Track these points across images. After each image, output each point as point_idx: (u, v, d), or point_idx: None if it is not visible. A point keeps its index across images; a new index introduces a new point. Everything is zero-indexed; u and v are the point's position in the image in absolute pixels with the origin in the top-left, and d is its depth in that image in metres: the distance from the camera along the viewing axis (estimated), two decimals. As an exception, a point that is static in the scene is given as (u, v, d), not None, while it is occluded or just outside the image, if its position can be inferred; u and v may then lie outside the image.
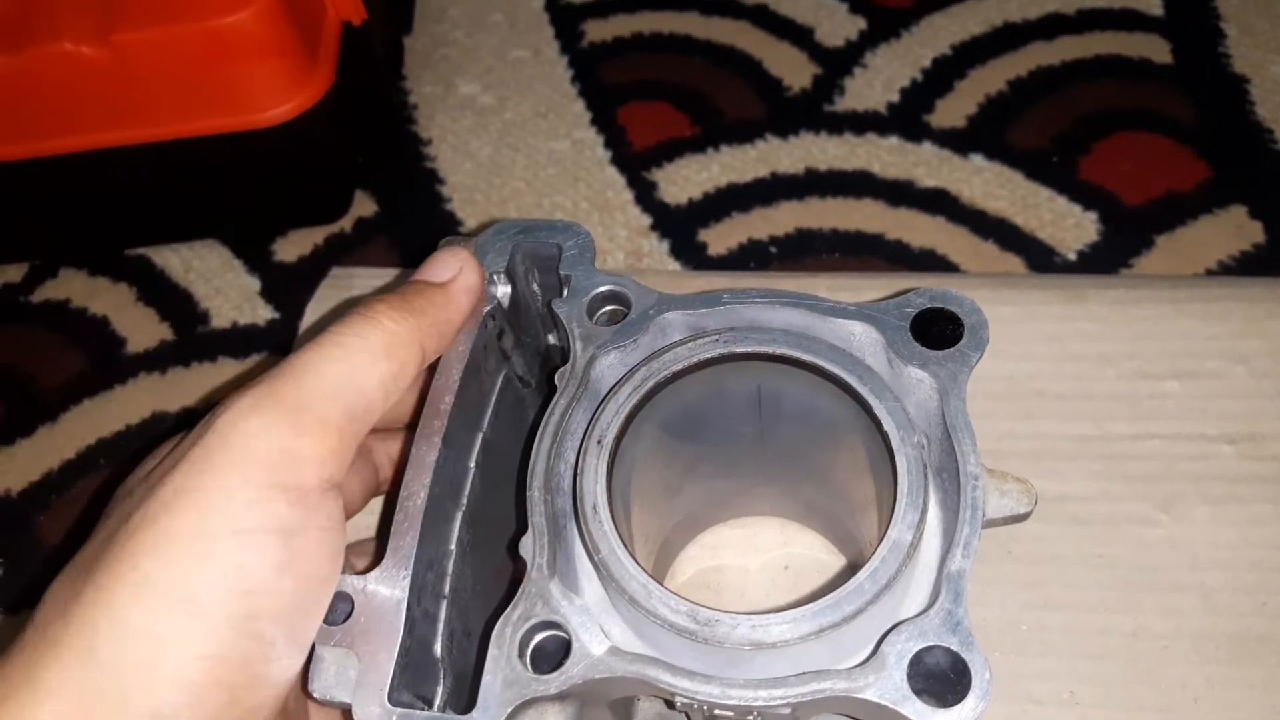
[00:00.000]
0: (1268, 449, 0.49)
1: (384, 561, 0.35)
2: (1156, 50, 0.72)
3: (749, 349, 0.37)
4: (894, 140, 0.69)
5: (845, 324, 0.38)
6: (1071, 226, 0.64)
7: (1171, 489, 0.48)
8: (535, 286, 0.43)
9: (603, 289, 0.40)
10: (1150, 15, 0.74)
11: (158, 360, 0.65)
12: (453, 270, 0.38)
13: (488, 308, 0.40)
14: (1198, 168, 0.66)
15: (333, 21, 0.63)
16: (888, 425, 0.35)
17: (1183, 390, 0.51)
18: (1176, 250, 0.62)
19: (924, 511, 0.34)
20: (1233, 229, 0.63)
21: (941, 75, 0.73)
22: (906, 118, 0.71)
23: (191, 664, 0.29)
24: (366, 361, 0.33)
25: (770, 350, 0.37)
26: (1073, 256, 0.63)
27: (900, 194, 0.67)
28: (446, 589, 0.38)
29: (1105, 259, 0.62)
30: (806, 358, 0.37)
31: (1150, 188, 0.65)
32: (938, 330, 0.37)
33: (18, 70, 0.57)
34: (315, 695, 0.33)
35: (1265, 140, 0.67)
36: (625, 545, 0.34)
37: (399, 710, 0.33)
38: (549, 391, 0.39)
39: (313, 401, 0.31)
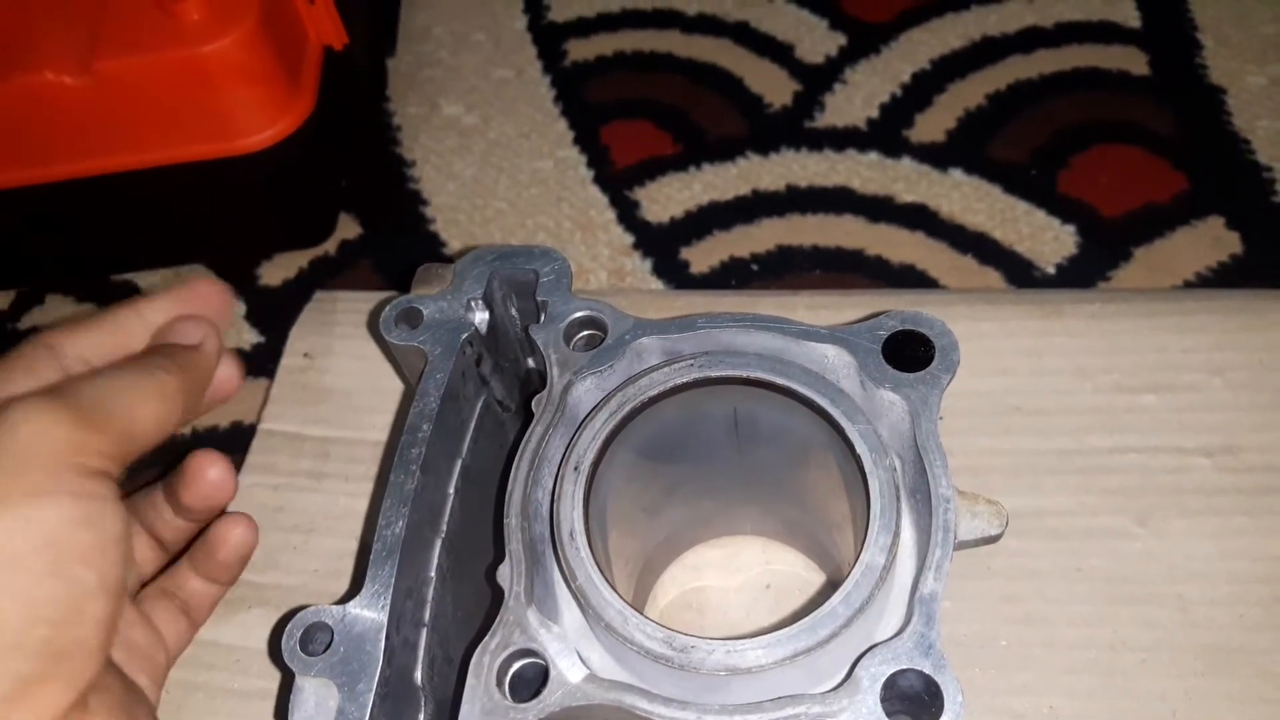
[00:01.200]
0: (1244, 461, 0.49)
1: (363, 590, 0.35)
2: (1134, 62, 0.73)
3: (723, 373, 0.38)
4: (874, 156, 0.70)
5: (818, 347, 0.38)
6: (1050, 240, 0.64)
7: (1149, 502, 0.48)
8: (513, 312, 0.44)
9: (579, 315, 0.40)
10: (1127, 27, 0.75)
11: (143, 386, 0.65)
12: (197, 336, 0.42)
13: (465, 334, 0.41)
14: (1175, 179, 0.66)
15: (314, 46, 0.63)
16: (860, 448, 0.35)
17: (1159, 403, 0.51)
18: (1154, 262, 0.63)
19: (897, 534, 0.34)
20: (1210, 240, 0.63)
21: (920, 90, 0.73)
22: (886, 133, 0.71)
23: (7, 608, 0.32)
24: (147, 397, 0.37)
25: (744, 374, 0.38)
26: (1051, 270, 0.63)
27: (880, 209, 0.67)
28: (426, 616, 0.38)
29: (1084, 272, 0.63)
30: (780, 381, 0.37)
31: (1128, 200, 0.66)
32: (909, 352, 0.37)
33: (1, 99, 0.57)
34: (296, 727, 0.34)
35: (1242, 150, 0.67)
36: (602, 572, 0.34)
37: (378, 740, 0.33)
38: (529, 416, 0.39)
39: (98, 411, 0.35)
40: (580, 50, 0.79)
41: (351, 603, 0.35)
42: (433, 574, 0.39)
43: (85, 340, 0.40)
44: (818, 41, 0.77)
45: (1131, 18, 0.75)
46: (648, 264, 0.67)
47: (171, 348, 0.41)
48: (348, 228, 0.70)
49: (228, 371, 0.45)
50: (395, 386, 0.55)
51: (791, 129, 0.72)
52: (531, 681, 0.33)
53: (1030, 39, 0.75)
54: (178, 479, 0.46)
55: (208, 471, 0.45)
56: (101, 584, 0.34)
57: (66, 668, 0.33)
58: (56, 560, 0.33)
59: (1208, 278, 0.62)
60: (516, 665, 0.34)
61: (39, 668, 0.32)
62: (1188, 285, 0.62)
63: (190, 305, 0.43)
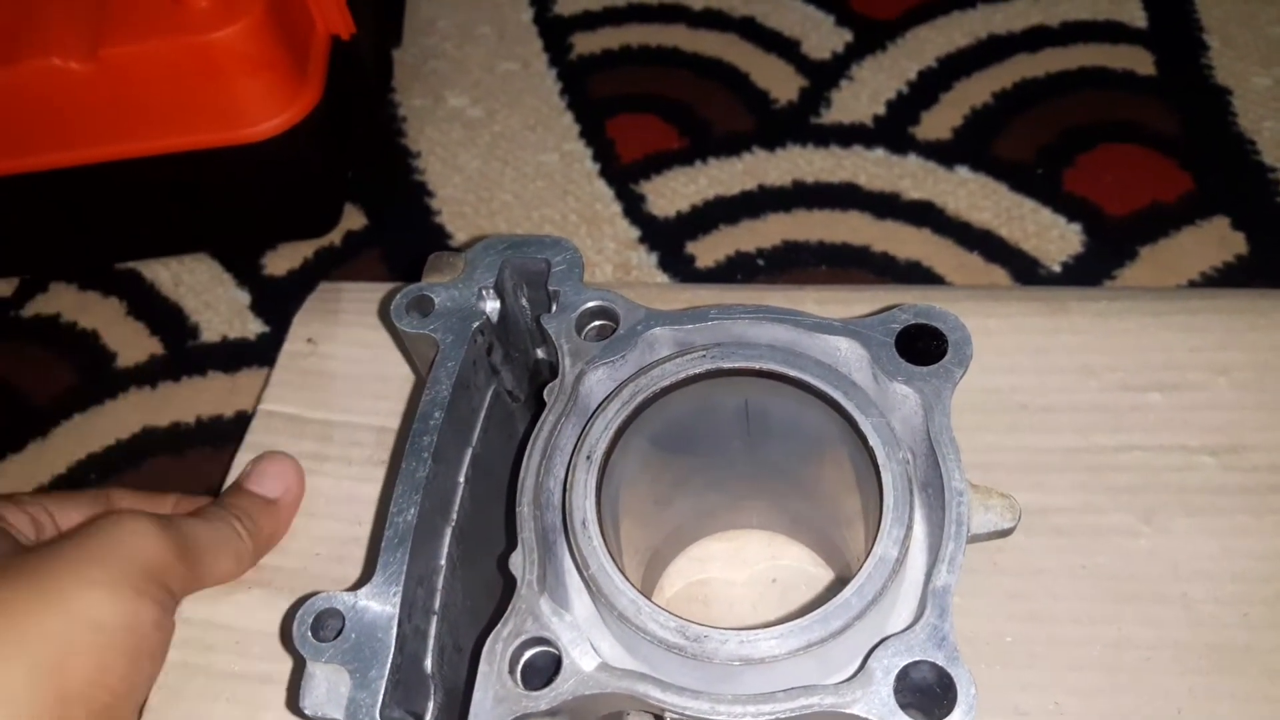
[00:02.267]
0: (1249, 460, 0.49)
1: (374, 578, 0.35)
2: (1140, 62, 0.73)
3: (736, 364, 0.38)
4: (880, 152, 0.70)
5: (831, 339, 0.38)
6: (1056, 238, 0.65)
7: (1154, 500, 0.48)
8: (524, 301, 0.44)
9: (591, 305, 0.40)
10: (1133, 27, 0.75)
11: (148, 374, 0.65)
12: (280, 490, 0.49)
13: (476, 323, 0.41)
14: (1181, 179, 0.66)
15: (321, 36, 0.63)
16: (873, 441, 0.35)
17: (1165, 402, 0.51)
18: (1159, 261, 0.63)
19: (909, 527, 0.34)
20: (1215, 240, 0.63)
21: (927, 87, 0.73)
22: (892, 130, 0.71)
23: (93, 667, 0.39)
24: (228, 555, 0.46)
25: (757, 366, 0.38)
26: (1057, 268, 0.63)
27: (886, 206, 0.67)
28: (437, 604, 0.38)
29: (1089, 270, 0.63)
30: (793, 373, 0.37)
31: (1134, 199, 0.66)
32: (922, 346, 0.37)
33: (5, 85, 0.57)
34: (306, 712, 0.34)
35: (1248, 151, 0.67)
36: (614, 560, 0.34)
37: (390, 727, 0.33)
38: (538, 406, 0.39)
39: (189, 551, 0.44)
40: (586, 43, 0.79)
41: (363, 590, 0.35)
42: (443, 562, 0.39)
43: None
44: (824, 37, 0.77)
45: (1138, 18, 0.75)
46: (653, 258, 0.67)
47: (254, 505, 0.48)
48: (353, 218, 0.70)
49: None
50: (399, 373, 0.55)
51: (798, 125, 0.72)
52: (544, 670, 0.33)
53: (1037, 38, 0.75)
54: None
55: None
56: (151, 678, 0.44)
57: None
58: (136, 647, 0.41)
59: (1213, 277, 0.62)
60: (529, 653, 0.34)
61: None
62: (1193, 285, 0.62)
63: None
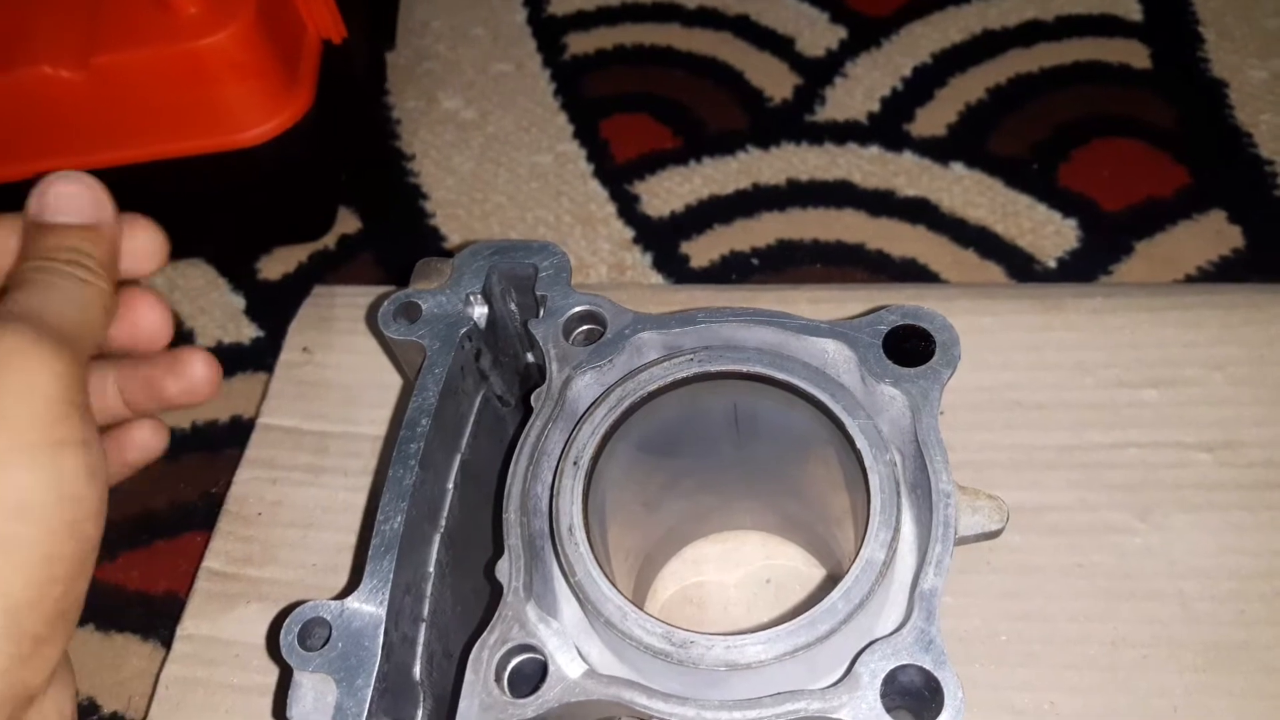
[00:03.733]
0: (1245, 456, 0.49)
1: (361, 586, 0.35)
2: (1135, 56, 0.72)
3: (723, 368, 0.38)
4: (875, 150, 0.70)
5: (819, 341, 0.38)
6: (1051, 234, 0.64)
7: (1149, 497, 0.48)
8: (513, 306, 0.44)
9: (578, 309, 0.40)
10: (1129, 20, 0.74)
11: (142, 380, 0.65)
12: (91, 209, 0.42)
13: (464, 329, 0.41)
14: (1177, 173, 0.66)
15: (312, 40, 0.63)
16: (860, 443, 0.35)
17: (1160, 398, 0.51)
18: (1156, 256, 0.62)
19: (897, 530, 0.34)
20: (1212, 234, 0.63)
21: (922, 84, 0.73)
22: (887, 127, 0.71)
23: (36, 565, 0.33)
24: (95, 310, 0.39)
25: (744, 369, 0.38)
26: (1053, 264, 0.63)
27: (881, 204, 0.67)
28: (425, 611, 0.38)
29: (1085, 266, 0.63)
30: (780, 376, 0.37)
31: (1130, 194, 0.65)
32: (910, 347, 0.37)
33: (-2, 94, 0.57)
34: (294, 722, 0.34)
35: (1244, 144, 0.67)
36: (601, 567, 0.34)
37: (377, 736, 0.33)
38: (528, 411, 0.39)
39: (69, 336, 0.37)
40: (580, 44, 0.78)
41: (350, 598, 0.35)
42: (431, 569, 0.39)
43: None
44: (818, 35, 0.77)
45: (1133, 11, 0.75)
46: (648, 258, 0.67)
47: (81, 239, 0.41)
48: (347, 222, 0.70)
49: (206, 372, 0.47)
50: (394, 381, 0.55)
51: (792, 123, 0.72)
52: (530, 677, 0.33)
53: (1031, 32, 0.74)
54: (159, 369, 0.47)
55: (198, 367, 0.47)
56: (98, 539, 0.36)
57: (65, 626, 0.35)
58: (74, 517, 0.34)
59: (1209, 272, 0.61)
60: (515, 660, 0.34)
61: (49, 628, 0.34)
62: (1189, 279, 0.61)
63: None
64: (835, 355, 0.38)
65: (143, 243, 0.45)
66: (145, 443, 0.50)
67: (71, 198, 0.41)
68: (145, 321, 0.46)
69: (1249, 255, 0.62)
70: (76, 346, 0.36)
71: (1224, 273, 0.61)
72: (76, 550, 0.34)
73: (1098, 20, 0.75)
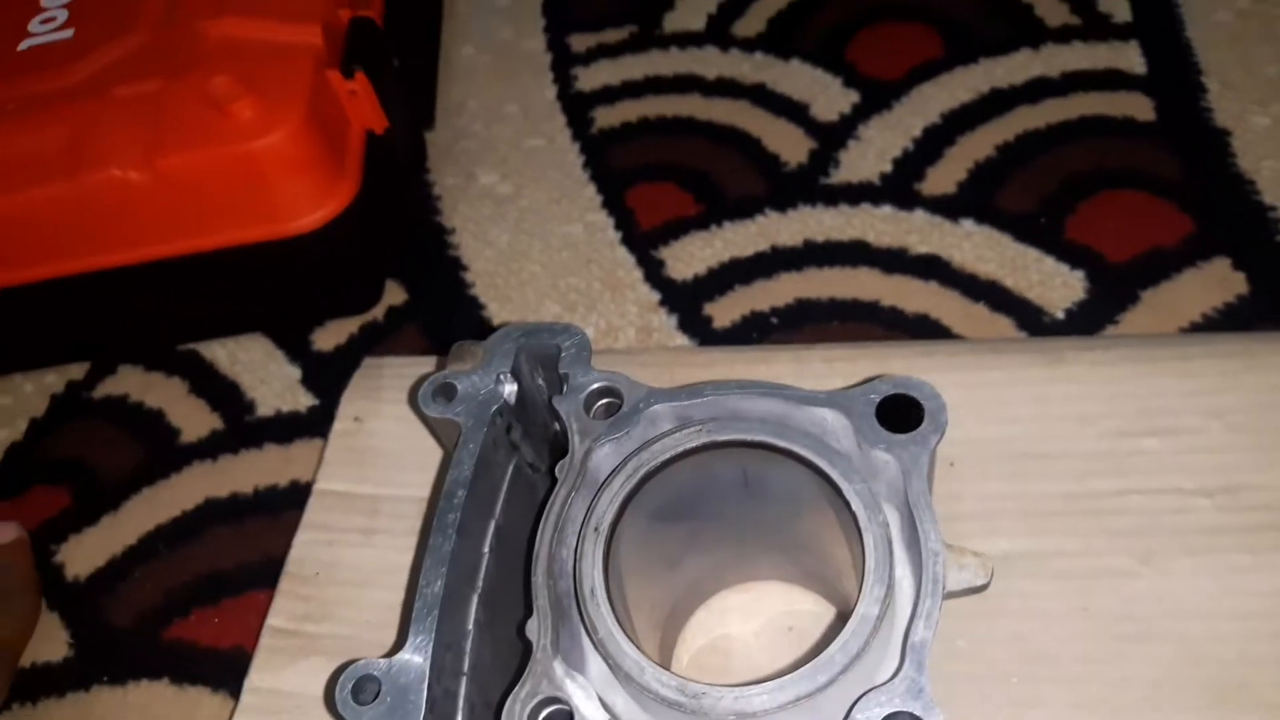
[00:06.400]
0: (1244, 500, 0.51)
1: (406, 645, 0.39)
2: (1139, 108, 0.75)
3: (730, 437, 0.41)
4: (887, 209, 0.73)
5: (817, 411, 0.41)
6: (1059, 286, 0.67)
7: (1152, 542, 0.50)
8: (540, 382, 0.48)
9: (597, 385, 0.44)
10: (1133, 74, 0.77)
11: (209, 449, 0.70)
12: None
13: (495, 406, 0.45)
14: (1182, 222, 0.68)
15: (356, 132, 0.68)
16: (855, 506, 0.39)
17: (1160, 446, 0.53)
18: (1161, 305, 0.65)
19: (890, 587, 0.37)
20: (1216, 281, 0.65)
21: (932, 143, 0.76)
22: (899, 187, 0.74)
23: None
24: None
25: (749, 438, 0.41)
26: (1061, 315, 0.66)
27: (894, 261, 0.70)
28: (465, 666, 0.42)
29: (1092, 316, 0.65)
30: (782, 444, 0.41)
31: (1135, 244, 0.68)
32: (900, 415, 0.40)
33: (72, 195, 0.63)
34: (348, 770, 0.37)
35: (1247, 191, 0.69)
36: (622, 625, 0.38)
37: (422, 781, 0.36)
38: (554, 480, 0.43)
39: None
40: (606, 117, 0.83)
41: (397, 655, 0.39)
42: (470, 627, 0.42)
43: None
44: (832, 100, 0.80)
45: (1137, 64, 0.77)
46: (673, 320, 0.70)
47: None
48: (394, 294, 0.75)
49: None
50: (437, 448, 0.59)
51: (808, 186, 0.75)
52: (559, 727, 0.37)
53: (1037, 89, 0.77)
54: None
55: None
56: None
57: None
58: None
59: (1214, 319, 0.63)
60: (545, 712, 0.37)
61: None
62: (1195, 326, 0.63)
63: None
64: (833, 423, 0.41)
65: None
66: None
67: None
68: None
69: (1253, 300, 0.64)
70: None
71: (1228, 319, 0.63)
72: None
73: (1102, 75, 0.77)
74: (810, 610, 0.52)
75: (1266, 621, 0.48)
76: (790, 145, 0.78)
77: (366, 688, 0.39)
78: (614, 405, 0.44)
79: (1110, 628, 0.49)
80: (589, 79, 0.86)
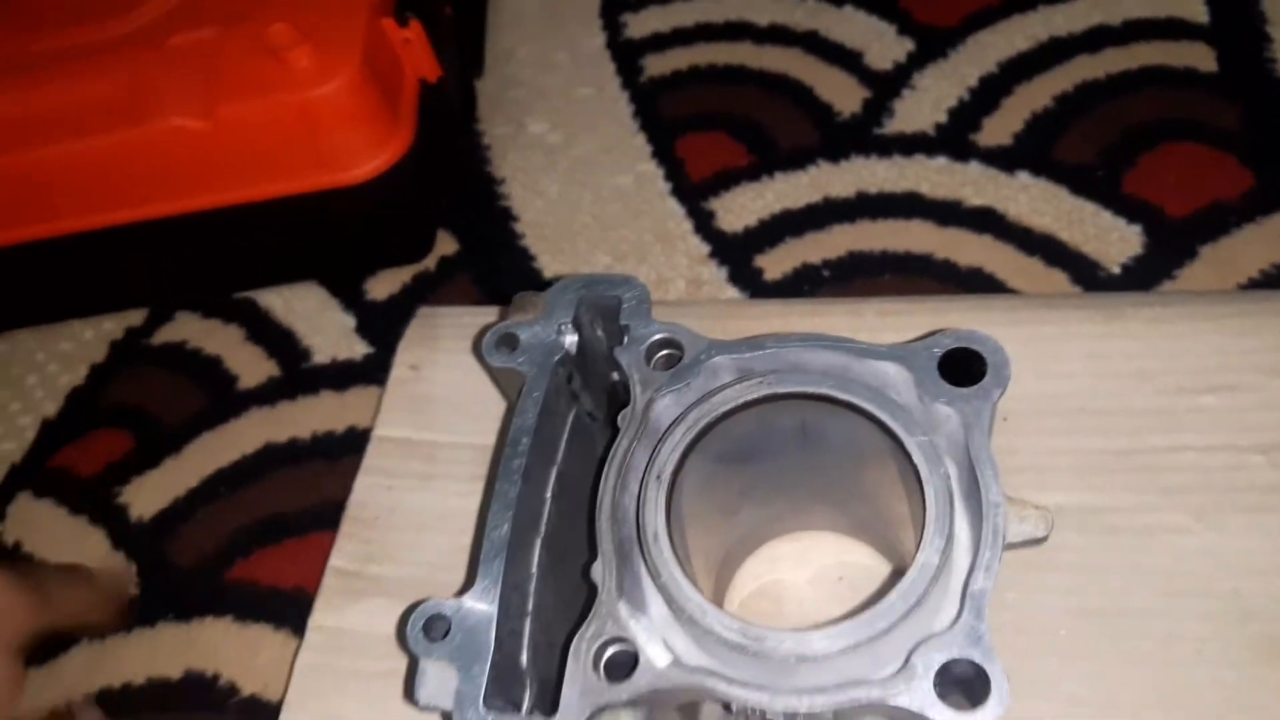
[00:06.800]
0: (1300, 458, 0.51)
1: (475, 586, 0.40)
2: (1202, 59, 0.73)
3: (791, 389, 0.42)
4: (942, 161, 0.72)
5: (879, 364, 0.42)
6: (1116, 240, 0.66)
7: (1205, 499, 0.51)
8: (600, 333, 0.48)
9: (658, 337, 0.44)
10: (1195, 23, 0.75)
11: (266, 395, 0.72)
12: None
13: (557, 356, 0.45)
14: (1243, 176, 0.67)
15: (411, 81, 0.68)
16: (917, 459, 0.39)
17: (1218, 403, 0.53)
18: (1220, 260, 0.64)
19: (950, 537, 0.37)
20: (1277, 237, 0.64)
21: (988, 93, 0.75)
22: (954, 138, 0.73)
23: None
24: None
25: (811, 390, 0.41)
26: (1116, 270, 0.65)
27: (948, 214, 0.70)
28: (530, 607, 0.43)
29: (1149, 271, 0.64)
30: (843, 397, 0.41)
31: (1195, 198, 0.67)
32: (963, 369, 0.41)
33: (134, 144, 0.64)
34: (420, 703, 0.39)
35: (1312, 145, 0.68)
36: (683, 569, 0.39)
37: (492, 714, 0.38)
38: (615, 427, 0.43)
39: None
40: (657, 65, 0.83)
41: (466, 596, 0.40)
42: (534, 570, 0.44)
43: None
44: (886, 48, 0.79)
45: (1199, 14, 0.76)
46: (724, 272, 0.70)
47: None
48: (446, 244, 0.76)
49: None
50: (493, 395, 0.60)
51: (861, 136, 0.75)
52: (624, 665, 0.38)
53: (1097, 38, 0.76)
54: None
55: None
56: None
57: None
58: None
59: (1273, 275, 0.63)
60: (610, 651, 0.38)
61: None
62: (1253, 283, 0.63)
63: None
64: (895, 376, 0.41)
65: None
66: None
67: None
68: None
69: (1315, 257, 0.63)
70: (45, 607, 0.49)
71: (1289, 276, 0.63)
72: None
73: (1164, 24, 0.76)
74: (862, 562, 0.53)
75: (1320, 579, 0.48)
76: (843, 94, 0.77)
77: (436, 626, 0.40)
78: (674, 357, 0.44)
79: (1160, 583, 0.49)
80: (638, 26, 0.85)
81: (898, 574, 0.51)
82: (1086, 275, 0.65)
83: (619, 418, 0.43)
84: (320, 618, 0.55)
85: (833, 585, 0.53)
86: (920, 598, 0.36)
